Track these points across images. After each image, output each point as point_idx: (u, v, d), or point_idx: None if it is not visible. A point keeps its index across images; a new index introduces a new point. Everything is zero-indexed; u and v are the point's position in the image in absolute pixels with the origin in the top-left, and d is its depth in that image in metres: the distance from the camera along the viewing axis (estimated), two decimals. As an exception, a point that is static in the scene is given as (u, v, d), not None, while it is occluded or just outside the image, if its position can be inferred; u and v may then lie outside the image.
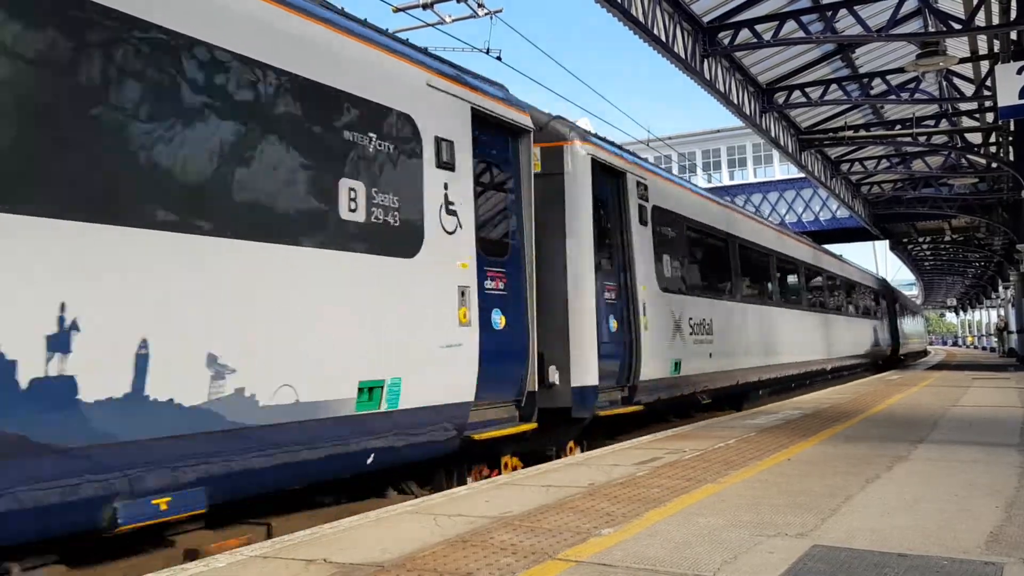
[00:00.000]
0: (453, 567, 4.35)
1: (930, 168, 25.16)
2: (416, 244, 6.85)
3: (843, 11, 14.14)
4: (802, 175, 24.79)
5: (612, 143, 11.01)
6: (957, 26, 13.45)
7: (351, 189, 6.08)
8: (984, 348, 66.44)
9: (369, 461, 6.32)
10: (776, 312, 17.52)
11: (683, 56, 13.92)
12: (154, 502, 4.72)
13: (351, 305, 6.03)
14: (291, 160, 5.62)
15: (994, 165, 22.69)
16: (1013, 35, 13.89)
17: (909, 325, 42.27)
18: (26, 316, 4.08)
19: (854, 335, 25.20)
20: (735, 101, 16.48)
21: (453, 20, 13.07)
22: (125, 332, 4.51)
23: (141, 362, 4.56)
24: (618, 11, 11.94)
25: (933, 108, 20.41)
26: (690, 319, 12.03)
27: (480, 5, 12.61)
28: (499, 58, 14.43)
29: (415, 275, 6.81)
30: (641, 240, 10.71)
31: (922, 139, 21.14)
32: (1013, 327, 45.17)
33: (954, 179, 25.84)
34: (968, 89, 18.25)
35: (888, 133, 21.37)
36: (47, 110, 4.27)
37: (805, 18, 14.30)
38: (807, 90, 18.20)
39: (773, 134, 19.10)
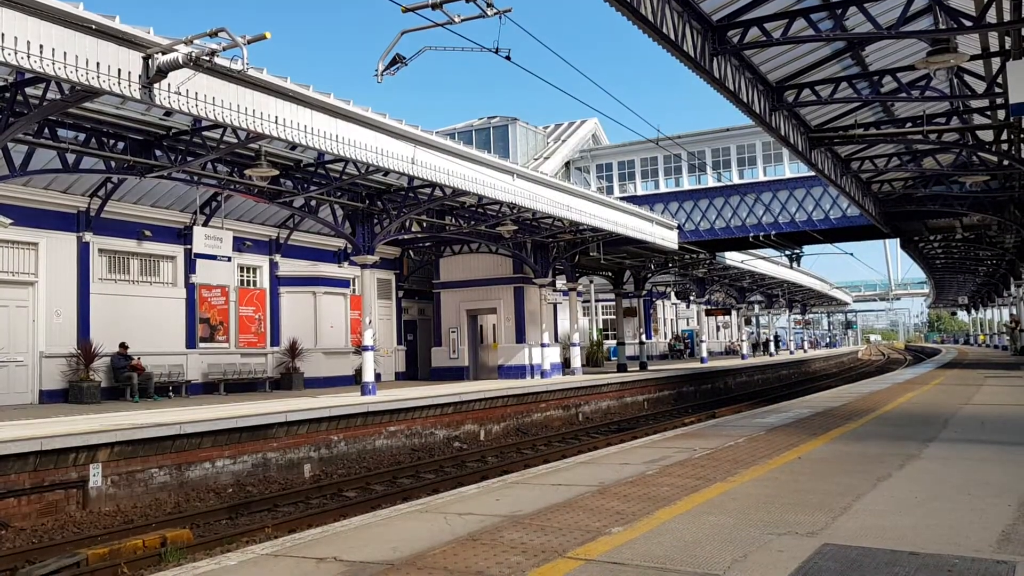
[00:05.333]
0: (463, 565, 4.35)
1: (941, 166, 24.99)
2: None
3: (853, 8, 14.06)
4: (812, 173, 24.68)
5: None
6: (968, 23, 13.36)
7: None
8: (996, 346, 66.08)
9: None
10: None
11: (692, 55, 13.86)
12: None
13: None
14: None
15: (1006, 163, 22.51)
16: (1025, 32, 13.80)
17: None
18: None
19: None
20: (745, 100, 16.40)
21: (462, 20, 13.05)
22: None
23: None
24: (627, 10, 11.90)
25: (944, 105, 20.27)
26: None
27: (489, 4, 12.59)
28: (508, 57, 14.43)
29: None
30: None
31: (933, 137, 20.99)
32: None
33: (965, 177, 25.63)
34: (979, 86, 18.12)
35: (899, 131, 21.23)
36: None
37: (815, 16, 14.22)
38: (817, 88, 18.11)
39: (783, 132, 19.01)
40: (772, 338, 70.72)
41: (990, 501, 5.71)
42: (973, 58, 15.68)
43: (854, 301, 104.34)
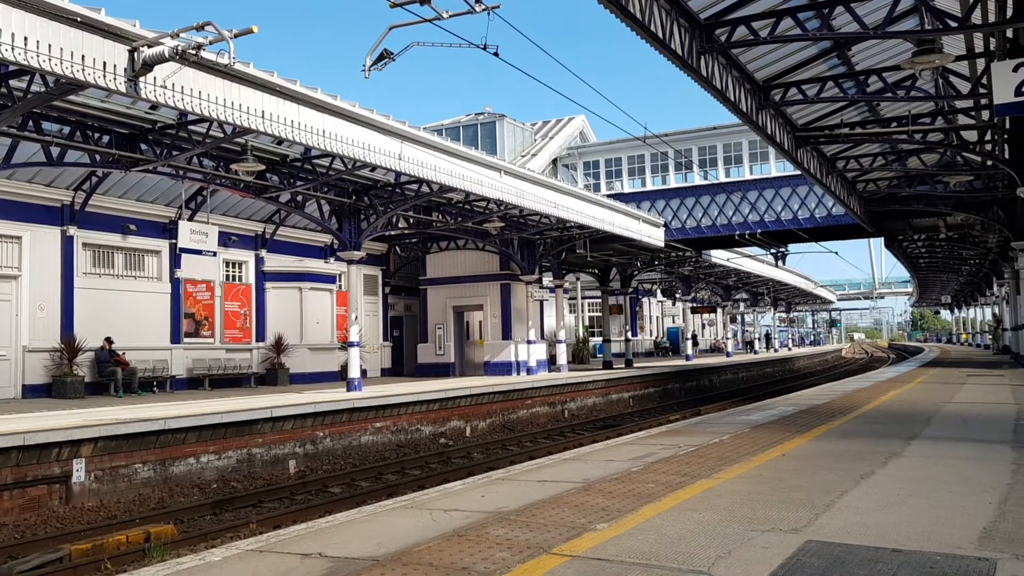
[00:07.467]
0: (448, 561, 4.36)
1: (925, 165, 25.15)
2: None
3: (839, 8, 14.12)
4: (798, 172, 24.79)
5: None
6: (953, 24, 13.44)
7: None
8: (979, 345, 66.64)
9: None
10: None
11: (680, 53, 13.88)
12: None
13: None
14: None
15: (989, 163, 22.68)
16: (1009, 33, 13.89)
17: None
18: None
19: None
20: (732, 98, 16.44)
21: (450, 16, 13.02)
22: None
23: None
24: (615, 8, 11.91)
25: (929, 106, 20.39)
26: None
27: (478, 1, 12.57)
28: (496, 54, 14.41)
29: None
30: None
31: (918, 137, 21.11)
32: (1007, 324, 45.33)
33: (949, 177, 25.77)
34: (964, 87, 18.25)
35: (884, 131, 21.34)
36: None
37: (802, 15, 14.27)
38: (803, 87, 18.17)
39: (769, 131, 19.08)
40: (763, 336, 70.95)
41: (972, 499, 5.76)
42: (958, 59, 15.79)
43: (838, 300, 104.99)
